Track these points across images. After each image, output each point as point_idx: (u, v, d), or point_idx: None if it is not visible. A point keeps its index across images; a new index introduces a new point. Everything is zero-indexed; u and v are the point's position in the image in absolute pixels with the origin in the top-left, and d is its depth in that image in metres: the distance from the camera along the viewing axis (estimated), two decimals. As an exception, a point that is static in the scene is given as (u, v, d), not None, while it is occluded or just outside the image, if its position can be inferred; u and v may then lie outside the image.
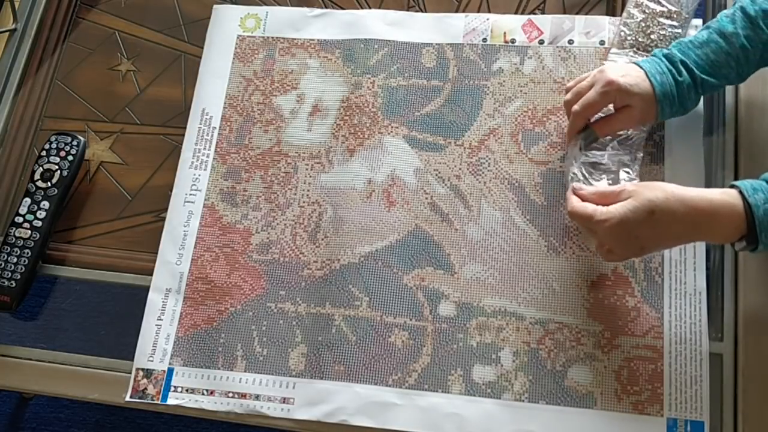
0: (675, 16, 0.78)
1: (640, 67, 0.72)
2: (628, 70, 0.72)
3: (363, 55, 0.88)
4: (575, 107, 0.74)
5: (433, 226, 0.80)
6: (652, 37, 0.78)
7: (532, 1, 0.88)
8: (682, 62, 0.72)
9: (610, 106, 0.74)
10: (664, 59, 0.72)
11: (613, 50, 0.80)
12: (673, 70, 0.71)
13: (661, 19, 0.79)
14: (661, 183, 0.67)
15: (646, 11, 0.79)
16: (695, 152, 0.78)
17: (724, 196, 0.64)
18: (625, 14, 0.80)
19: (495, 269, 0.77)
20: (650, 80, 0.71)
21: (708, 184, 0.77)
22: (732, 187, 0.65)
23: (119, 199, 0.87)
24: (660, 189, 0.65)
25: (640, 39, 0.79)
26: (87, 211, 0.87)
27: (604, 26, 0.84)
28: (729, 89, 0.80)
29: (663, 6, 0.79)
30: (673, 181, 0.76)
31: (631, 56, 0.78)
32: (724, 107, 0.80)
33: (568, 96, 0.76)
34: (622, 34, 0.80)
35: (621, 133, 0.76)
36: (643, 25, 0.79)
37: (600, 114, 0.75)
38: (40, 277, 0.84)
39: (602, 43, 0.83)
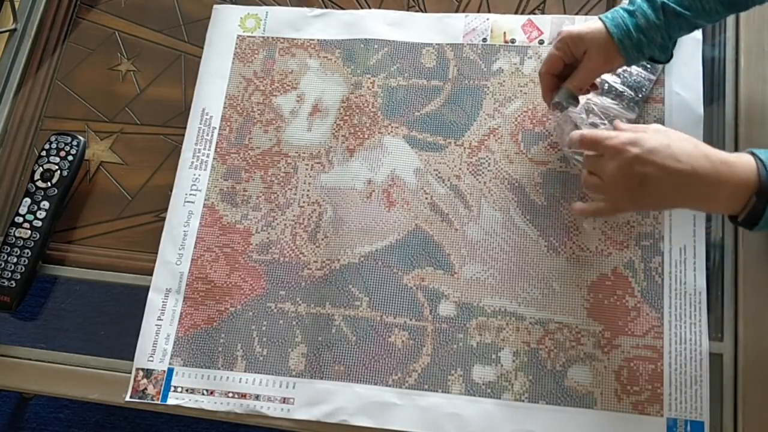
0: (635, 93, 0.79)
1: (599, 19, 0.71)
2: (584, 21, 0.72)
3: (363, 55, 0.88)
4: (541, 69, 0.74)
5: (433, 226, 0.80)
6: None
7: (532, 1, 0.88)
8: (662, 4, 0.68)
9: None
10: (622, 4, 0.70)
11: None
12: (626, 5, 0.70)
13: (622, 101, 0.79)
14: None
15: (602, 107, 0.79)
16: (695, 131, 0.78)
17: (739, 156, 0.63)
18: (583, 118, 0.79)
19: (495, 269, 0.77)
20: (602, 20, 0.70)
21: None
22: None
23: (119, 199, 0.87)
24: (683, 134, 0.64)
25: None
26: (87, 211, 0.87)
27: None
28: (729, 93, 0.80)
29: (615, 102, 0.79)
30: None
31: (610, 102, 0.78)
32: (724, 111, 0.80)
33: (541, 68, 0.75)
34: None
35: (616, 86, 0.76)
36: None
37: None
38: (40, 277, 0.84)
39: None
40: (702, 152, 0.62)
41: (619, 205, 0.68)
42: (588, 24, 0.71)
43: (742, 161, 0.62)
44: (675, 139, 0.63)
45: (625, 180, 0.64)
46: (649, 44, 0.70)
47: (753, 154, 0.63)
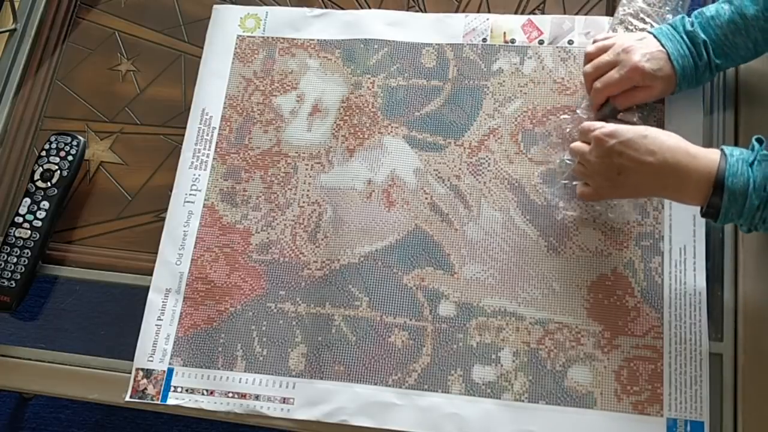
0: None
1: (662, 45, 0.73)
2: (651, 51, 0.72)
3: (363, 55, 0.88)
4: (597, 84, 0.76)
5: (433, 226, 0.80)
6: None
7: (532, 1, 0.88)
8: (704, 43, 0.72)
9: None
10: (685, 38, 0.72)
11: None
12: (694, 52, 0.72)
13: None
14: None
15: (630, 28, 0.79)
16: (695, 126, 0.78)
17: (708, 150, 0.66)
18: (609, 32, 0.80)
19: (495, 269, 0.77)
20: (673, 63, 0.72)
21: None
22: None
23: (119, 199, 0.87)
24: (660, 130, 0.68)
25: None
26: (87, 211, 0.87)
27: (604, 27, 0.84)
28: (729, 93, 0.80)
29: (647, 23, 0.79)
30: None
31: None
32: (724, 111, 0.80)
33: (588, 68, 0.77)
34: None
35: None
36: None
37: None
38: (40, 277, 0.84)
39: None
40: (675, 144, 0.66)
41: (601, 191, 0.72)
42: (658, 59, 0.72)
43: (709, 155, 0.65)
44: (651, 130, 0.67)
45: (604, 169, 0.69)
46: (696, 83, 0.75)
47: (722, 150, 0.66)
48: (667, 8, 0.79)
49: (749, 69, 0.80)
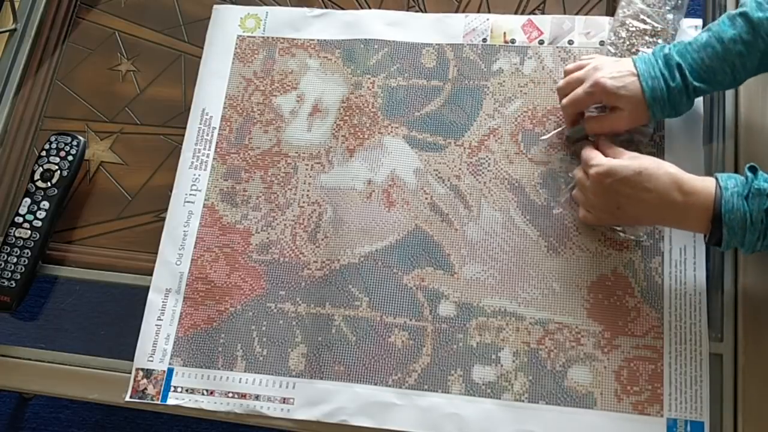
0: (661, 33, 0.78)
1: (635, 66, 0.72)
2: (621, 70, 0.72)
3: (363, 55, 0.88)
4: (564, 101, 0.76)
5: (433, 226, 0.80)
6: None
7: (532, 2, 0.88)
8: (678, 66, 0.70)
9: None
10: (660, 60, 0.71)
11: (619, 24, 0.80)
12: (666, 74, 0.70)
13: (647, 37, 0.78)
14: (662, 161, 0.69)
15: (631, 29, 0.79)
16: (695, 154, 0.78)
17: (704, 181, 0.67)
18: (611, 34, 0.80)
19: (495, 269, 0.77)
20: (641, 83, 0.71)
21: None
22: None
23: (119, 199, 0.87)
24: (656, 161, 0.69)
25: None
26: (87, 211, 0.87)
27: (604, 27, 0.84)
28: (729, 94, 0.80)
29: (647, 24, 0.78)
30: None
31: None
32: (724, 110, 0.80)
33: (561, 84, 0.77)
34: (608, 53, 0.79)
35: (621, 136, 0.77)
36: (629, 43, 0.78)
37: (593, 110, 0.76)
38: (40, 277, 0.84)
39: (602, 43, 0.83)
40: (671, 180, 0.67)
41: (602, 220, 0.75)
42: (624, 79, 0.71)
43: (705, 188, 0.66)
44: (647, 166, 0.68)
45: (603, 204, 0.71)
46: (676, 114, 0.73)
47: (716, 179, 0.66)
48: (667, 7, 0.78)
49: (749, 98, 0.79)
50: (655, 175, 0.67)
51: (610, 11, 0.86)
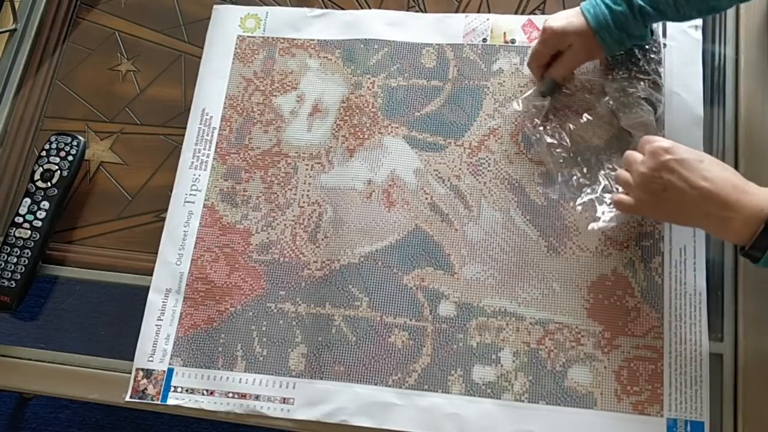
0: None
1: (581, 7, 0.74)
2: (567, 14, 0.75)
3: (363, 55, 0.88)
4: (527, 60, 0.80)
5: (433, 227, 0.80)
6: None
7: (532, 2, 0.88)
8: None
9: None
10: None
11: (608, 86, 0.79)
12: (609, 1, 0.72)
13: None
14: None
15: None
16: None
17: (762, 188, 0.64)
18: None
19: (495, 269, 0.77)
20: (584, 14, 0.73)
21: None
22: None
23: (119, 199, 0.87)
24: (719, 161, 0.66)
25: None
26: (87, 211, 0.87)
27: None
28: (729, 93, 0.80)
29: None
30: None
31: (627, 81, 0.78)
32: (724, 109, 0.80)
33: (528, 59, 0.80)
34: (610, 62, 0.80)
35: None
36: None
37: None
38: (40, 277, 0.84)
39: None
40: (730, 176, 0.64)
41: (641, 204, 0.69)
42: (570, 18, 0.74)
43: (762, 194, 0.63)
44: (708, 158, 0.65)
45: (650, 183, 0.66)
46: (629, 38, 0.74)
47: None
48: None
49: (749, 98, 0.80)
50: (715, 167, 0.64)
51: (610, 11, 0.86)
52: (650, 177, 0.66)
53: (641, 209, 0.70)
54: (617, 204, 0.71)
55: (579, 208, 0.77)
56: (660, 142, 0.67)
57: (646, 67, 0.77)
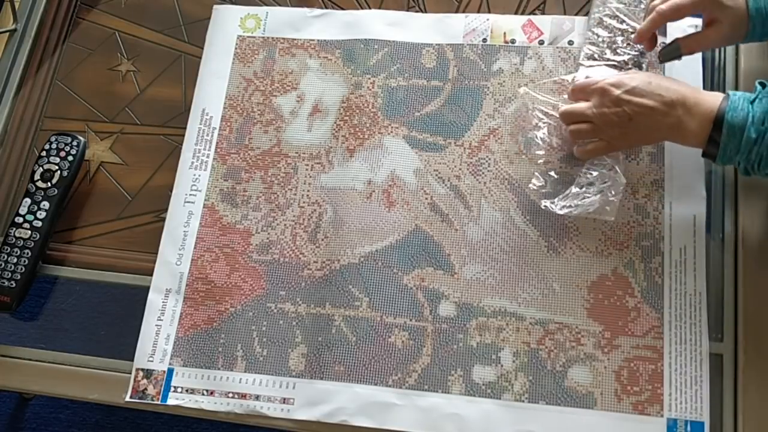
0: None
1: None
2: None
3: (363, 55, 0.88)
4: (662, 6, 0.72)
5: (433, 227, 0.80)
6: (622, 57, 0.78)
7: (532, 2, 0.88)
8: None
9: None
10: None
11: (583, 63, 0.79)
12: None
13: (630, 34, 0.78)
14: None
15: (611, 28, 0.79)
16: (695, 151, 0.78)
17: (714, 93, 0.68)
18: (588, 33, 0.80)
19: (495, 269, 0.77)
20: None
21: (708, 183, 0.77)
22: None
23: (119, 200, 0.87)
24: (661, 75, 0.71)
25: (608, 56, 0.78)
26: (87, 212, 0.87)
27: (593, 17, 0.83)
28: (729, 87, 0.80)
29: (625, 24, 0.78)
30: (675, 182, 0.77)
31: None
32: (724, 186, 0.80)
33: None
34: (589, 51, 0.79)
35: None
36: (610, 41, 0.79)
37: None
38: (40, 278, 0.84)
39: (571, 43, 0.83)
40: (679, 85, 0.68)
41: (614, 141, 0.73)
42: None
43: (713, 96, 0.67)
44: (654, 76, 0.70)
45: (615, 118, 0.70)
46: None
47: (727, 93, 0.67)
48: (642, 6, 0.79)
49: (750, 66, 0.80)
50: (665, 83, 0.69)
51: (610, 11, 0.86)
52: (612, 113, 0.70)
53: (615, 145, 0.73)
54: (591, 152, 0.74)
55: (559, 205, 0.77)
56: (605, 79, 0.71)
57: (645, 68, 0.78)
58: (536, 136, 0.78)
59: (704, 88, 0.80)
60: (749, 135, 0.64)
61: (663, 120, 0.68)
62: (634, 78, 0.69)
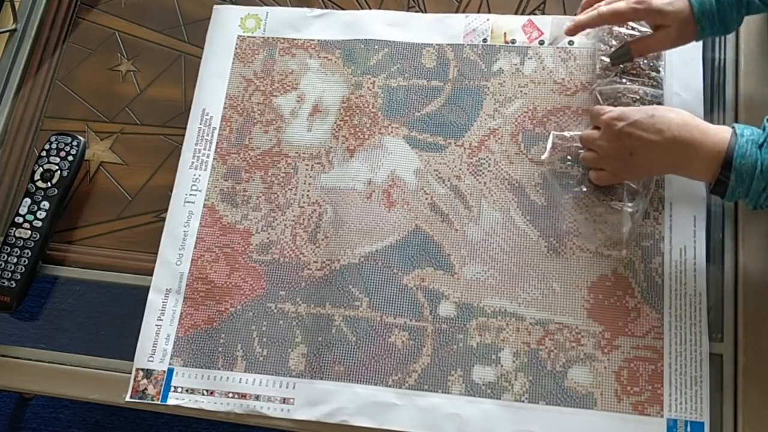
0: None
1: None
2: None
3: (363, 55, 0.88)
4: (603, 8, 0.72)
5: (433, 227, 0.80)
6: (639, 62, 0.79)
7: (532, 2, 0.88)
8: None
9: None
10: None
11: (599, 82, 0.80)
12: None
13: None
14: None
15: (620, 36, 0.79)
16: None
17: (719, 128, 0.67)
18: (599, 44, 0.81)
19: (495, 270, 0.77)
20: None
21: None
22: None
23: (119, 200, 0.87)
24: (669, 107, 0.71)
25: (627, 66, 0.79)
26: (87, 212, 0.87)
27: (605, 27, 0.84)
28: (729, 93, 0.80)
29: (635, 30, 0.78)
30: (675, 183, 0.77)
31: (619, 81, 0.78)
32: (724, 110, 0.80)
33: None
34: (601, 63, 0.80)
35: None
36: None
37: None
38: (40, 278, 0.84)
39: (571, 43, 0.83)
40: (683, 121, 0.67)
41: (618, 173, 0.74)
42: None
43: (719, 133, 0.66)
44: (659, 109, 0.69)
45: (616, 151, 0.71)
46: (725, 29, 0.71)
47: (733, 128, 0.66)
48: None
49: (750, 66, 0.80)
50: (668, 117, 0.67)
51: (611, 11, 0.86)
52: (614, 147, 0.71)
53: (620, 176, 0.74)
54: (598, 179, 0.75)
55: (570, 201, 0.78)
56: (609, 112, 0.71)
57: (643, 67, 0.77)
58: None
59: (704, 88, 0.80)
60: (758, 184, 0.64)
61: (665, 155, 0.68)
62: (637, 111, 0.69)
